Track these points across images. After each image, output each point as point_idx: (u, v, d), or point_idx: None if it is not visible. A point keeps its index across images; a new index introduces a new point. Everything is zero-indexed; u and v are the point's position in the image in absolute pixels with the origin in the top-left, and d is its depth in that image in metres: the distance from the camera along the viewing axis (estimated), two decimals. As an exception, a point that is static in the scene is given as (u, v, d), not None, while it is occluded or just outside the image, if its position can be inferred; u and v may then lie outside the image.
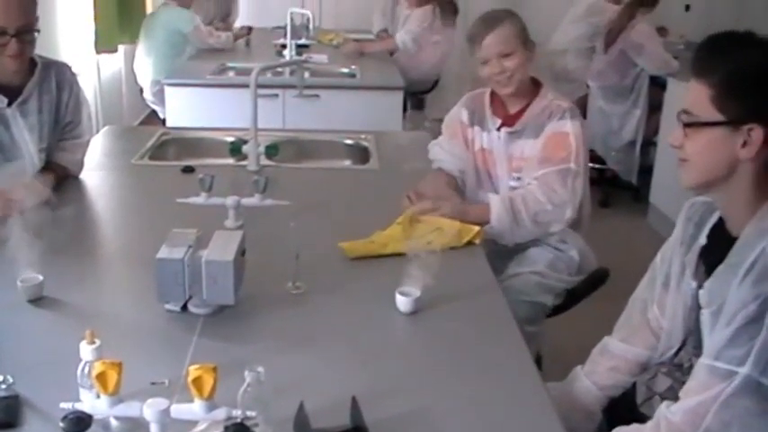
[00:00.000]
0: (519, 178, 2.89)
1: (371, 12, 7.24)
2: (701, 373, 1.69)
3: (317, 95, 4.67)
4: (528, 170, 2.84)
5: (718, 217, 1.86)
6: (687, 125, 1.73)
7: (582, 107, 6.42)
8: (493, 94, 2.99)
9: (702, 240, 1.88)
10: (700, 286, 1.82)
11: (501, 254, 2.84)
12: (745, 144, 1.66)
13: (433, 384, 1.83)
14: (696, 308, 1.84)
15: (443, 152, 3.11)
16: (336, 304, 2.18)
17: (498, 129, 2.93)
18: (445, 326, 2.09)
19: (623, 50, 5.86)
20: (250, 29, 6.91)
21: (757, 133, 1.64)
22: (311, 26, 5.78)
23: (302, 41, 5.90)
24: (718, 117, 1.68)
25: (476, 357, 1.95)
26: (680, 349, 1.96)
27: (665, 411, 1.73)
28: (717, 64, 1.70)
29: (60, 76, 2.89)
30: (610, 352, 2.14)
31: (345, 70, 5.57)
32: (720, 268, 1.73)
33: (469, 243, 2.57)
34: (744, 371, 1.59)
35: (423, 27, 6.31)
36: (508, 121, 2.92)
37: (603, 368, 2.12)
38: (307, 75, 5.06)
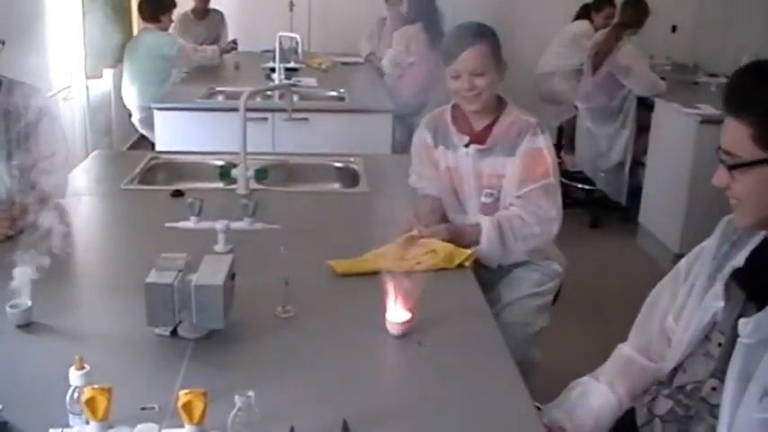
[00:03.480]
0: (491, 194, 2.88)
1: (359, 35, 7.27)
2: (749, 424, 1.64)
3: (306, 119, 4.68)
4: (507, 189, 2.84)
5: (761, 240, 1.80)
6: (732, 167, 1.70)
7: (571, 128, 6.48)
8: (454, 110, 2.97)
9: (740, 262, 1.83)
10: (740, 314, 1.75)
11: (484, 280, 2.78)
12: None
13: (424, 407, 1.82)
14: (711, 328, 1.82)
15: (420, 179, 3.09)
16: (326, 328, 2.17)
17: (467, 146, 2.90)
18: (436, 349, 2.08)
19: (610, 72, 5.91)
20: (235, 42, 6.96)
21: None
22: (300, 50, 5.80)
23: (291, 65, 5.93)
24: (764, 155, 1.65)
25: (466, 380, 1.94)
26: (677, 368, 1.92)
27: None
28: (752, 100, 1.67)
29: (25, 98, 2.82)
30: (625, 365, 2.09)
31: (334, 93, 5.58)
32: (760, 315, 1.69)
33: (460, 266, 2.57)
34: None
35: (398, 50, 6.32)
36: (477, 137, 2.90)
37: (623, 387, 2.07)
38: (296, 98, 5.08)
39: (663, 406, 1.94)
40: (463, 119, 2.94)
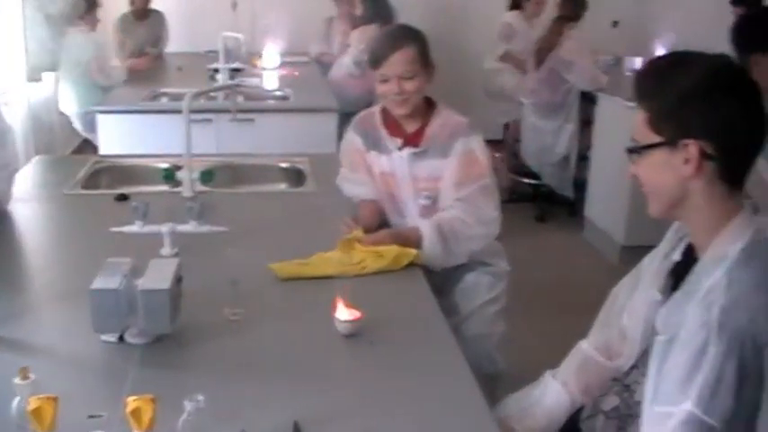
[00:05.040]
0: (429, 197, 2.87)
1: (305, 34, 7.25)
2: (650, 417, 1.68)
3: (252, 119, 4.66)
4: (445, 192, 2.83)
5: None
6: (630, 151, 1.74)
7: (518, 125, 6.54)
8: (384, 113, 2.94)
9: (677, 256, 1.86)
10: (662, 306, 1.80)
11: (436, 284, 2.73)
12: (685, 161, 1.65)
13: (376, 407, 1.82)
14: (653, 327, 1.83)
15: (354, 186, 3.04)
16: (276, 329, 2.17)
17: (400, 149, 2.88)
18: (386, 348, 2.08)
19: (553, 67, 5.95)
20: (159, 50, 6.93)
21: (693, 148, 1.63)
22: (244, 50, 5.76)
23: (235, 65, 5.89)
24: (656, 139, 1.69)
25: (418, 378, 1.94)
26: (633, 367, 1.94)
27: None
28: (650, 87, 1.72)
29: None
30: (584, 362, 2.12)
31: (279, 93, 5.57)
32: (678, 294, 1.73)
33: (409, 265, 2.57)
34: (686, 408, 1.57)
35: (360, 49, 6.32)
36: (410, 140, 2.87)
37: (578, 385, 2.10)
38: (240, 99, 5.05)
39: (609, 402, 1.98)
40: (394, 122, 2.91)
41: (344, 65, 6.24)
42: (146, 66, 6.78)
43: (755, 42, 3.12)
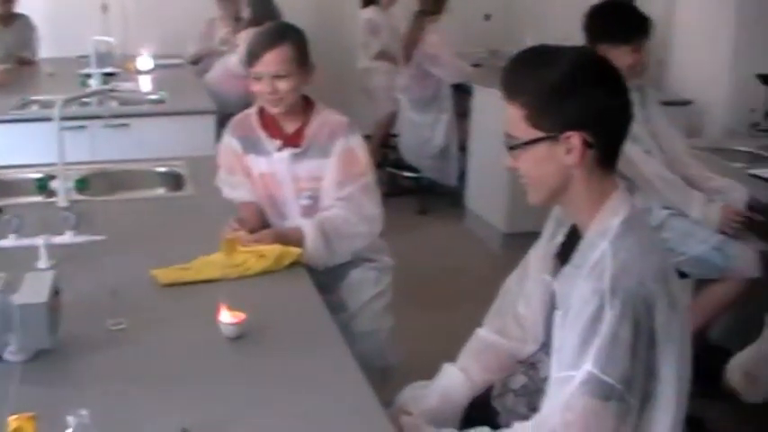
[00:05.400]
0: (310, 197, 2.87)
1: (180, 36, 7.13)
2: (553, 383, 1.75)
3: (127, 124, 4.58)
4: (327, 191, 2.85)
5: None
6: (511, 148, 1.79)
7: (391, 120, 6.60)
8: (262, 114, 2.92)
9: (560, 238, 1.95)
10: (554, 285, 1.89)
11: (321, 282, 2.75)
12: (568, 152, 1.72)
13: (266, 408, 1.83)
14: (552, 305, 1.90)
15: (232, 188, 3.02)
16: (160, 336, 2.15)
17: (280, 150, 2.87)
18: (273, 348, 2.09)
19: (420, 62, 6.03)
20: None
21: (576, 139, 1.71)
22: (117, 53, 5.64)
23: (108, 70, 5.77)
24: (537, 134, 1.74)
25: (306, 378, 1.96)
26: (540, 348, 2.00)
27: (518, 423, 1.80)
28: (521, 84, 1.76)
29: None
30: (482, 346, 2.16)
31: (154, 97, 5.48)
32: (567, 269, 1.81)
33: (293, 264, 2.58)
34: (585, 369, 1.65)
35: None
36: (290, 141, 2.87)
37: (476, 365, 2.14)
38: (114, 104, 4.96)
39: (518, 381, 2.05)
40: (272, 122, 2.89)
41: (230, 65, 6.18)
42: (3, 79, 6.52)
43: (604, 33, 3.23)
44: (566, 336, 1.73)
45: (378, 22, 6.72)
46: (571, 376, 1.67)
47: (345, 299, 2.96)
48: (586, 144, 1.72)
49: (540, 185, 1.80)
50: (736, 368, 2.39)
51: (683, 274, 3.37)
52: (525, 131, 1.75)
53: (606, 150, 1.77)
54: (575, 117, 1.71)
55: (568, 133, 1.71)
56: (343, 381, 1.95)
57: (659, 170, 3.26)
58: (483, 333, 2.18)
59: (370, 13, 6.76)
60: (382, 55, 6.69)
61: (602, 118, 1.74)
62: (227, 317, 2.10)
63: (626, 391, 1.65)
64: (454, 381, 2.12)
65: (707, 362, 3.72)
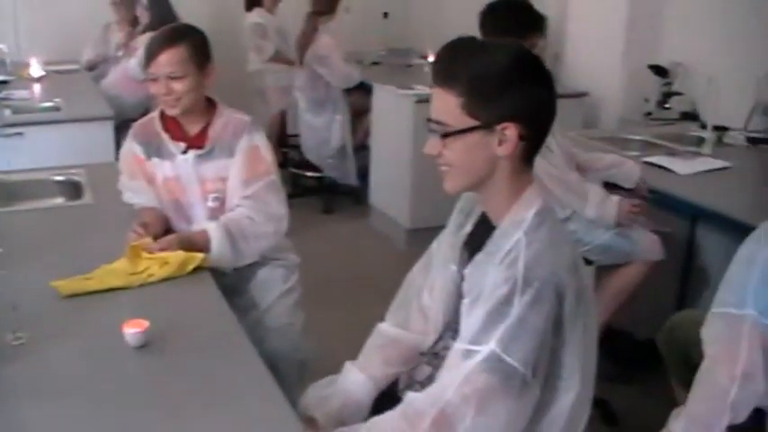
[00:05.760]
0: (218, 198, 2.86)
1: (76, 41, 6.97)
2: (453, 355, 1.78)
3: (21, 133, 4.46)
4: (233, 190, 2.83)
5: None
6: (444, 135, 1.79)
7: (282, 121, 6.60)
8: (164, 118, 2.88)
9: (468, 228, 1.98)
10: (462, 274, 1.91)
11: (229, 285, 2.79)
12: (501, 143, 1.75)
13: (174, 415, 1.82)
14: (457, 295, 1.93)
15: (134, 194, 2.99)
16: (63, 349, 2.10)
17: (184, 152, 2.84)
18: (179, 356, 2.07)
19: (310, 63, 6.03)
20: None
21: (511, 131, 1.74)
22: (8, 60, 5.50)
23: (0, 78, 5.62)
24: (473, 123, 1.75)
25: (214, 385, 1.95)
26: (441, 337, 2.03)
27: (411, 393, 1.82)
28: (460, 71, 1.76)
29: None
30: (384, 340, 2.18)
31: (49, 104, 5.34)
32: (479, 256, 1.84)
33: (197, 269, 2.56)
34: (488, 348, 1.69)
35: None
36: (193, 142, 2.84)
37: (377, 361, 2.15)
38: (7, 113, 4.83)
39: (423, 372, 2.06)
40: (175, 125, 2.86)
41: (129, 69, 6.08)
42: None
43: (499, 29, 3.29)
44: (474, 316, 1.76)
45: (265, 24, 6.69)
46: (474, 351, 1.70)
47: (256, 297, 2.95)
48: (520, 136, 1.75)
49: (465, 174, 1.82)
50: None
51: (588, 262, 3.46)
52: (459, 119, 1.76)
53: (534, 144, 1.81)
54: (513, 109, 1.74)
55: (505, 124, 1.74)
56: (253, 385, 1.95)
57: (547, 168, 3.32)
58: (384, 327, 2.20)
59: (255, 16, 6.73)
60: (277, 57, 6.68)
61: (536, 112, 1.78)
62: (131, 325, 2.07)
63: (528, 373, 1.68)
64: (355, 381, 2.13)
65: (612, 346, 3.85)
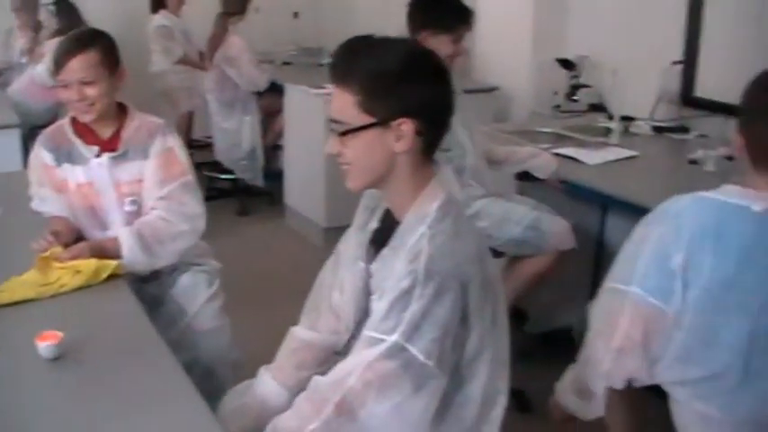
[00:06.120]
0: (134, 202, 2.82)
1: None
2: (359, 342, 1.80)
3: None
4: (148, 192, 2.80)
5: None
6: (342, 134, 1.80)
7: (188, 122, 6.55)
8: (75, 123, 2.83)
9: (374, 225, 1.99)
10: (370, 271, 1.93)
11: (152, 293, 2.77)
12: (398, 139, 1.77)
13: (93, 430, 1.79)
14: (366, 292, 1.95)
15: (43, 202, 2.93)
16: (-27, 365, 2.05)
17: (98, 156, 2.79)
18: (97, 366, 2.04)
19: (220, 64, 5.98)
20: None
21: (408, 126, 1.76)
22: None
23: None
24: (369, 120, 1.77)
25: (133, 395, 1.92)
26: (354, 336, 2.02)
27: (316, 377, 1.83)
28: (355, 70, 1.79)
29: None
30: (296, 343, 2.18)
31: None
32: (385, 252, 1.86)
33: (112, 276, 2.52)
34: (392, 338, 1.71)
35: None
36: (107, 146, 2.80)
37: (290, 365, 2.16)
38: None
39: None
40: (87, 130, 2.81)
41: (37, 75, 5.95)
42: None
43: (426, 22, 3.32)
44: (378, 305, 1.79)
45: (170, 26, 6.63)
46: (379, 340, 1.73)
47: (182, 305, 2.91)
48: (417, 132, 1.77)
49: (365, 171, 1.83)
50: (568, 390, 2.47)
51: (500, 253, 3.51)
52: (356, 117, 1.78)
53: (431, 139, 1.83)
54: (408, 105, 1.76)
55: (401, 120, 1.76)
56: (174, 394, 1.92)
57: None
58: (296, 331, 2.21)
59: (160, 18, 6.65)
60: (185, 59, 6.61)
61: (431, 107, 1.80)
62: (44, 337, 2.03)
63: (429, 363, 1.71)
64: (270, 389, 2.14)
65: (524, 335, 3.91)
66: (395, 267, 1.78)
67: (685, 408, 2.29)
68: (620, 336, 2.20)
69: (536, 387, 3.44)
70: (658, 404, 2.39)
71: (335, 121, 1.81)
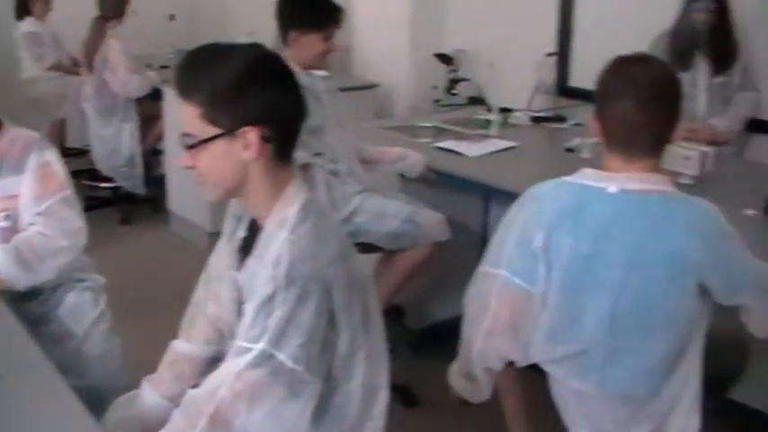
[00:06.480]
0: (9, 217, 2.71)
1: None
2: (229, 354, 1.79)
3: None
4: (25, 208, 2.71)
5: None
6: (191, 147, 1.78)
7: (61, 130, 6.39)
8: None
9: (242, 233, 1.98)
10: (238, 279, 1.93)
11: (34, 313, 2.68)
12: (246, 147, 1.75)
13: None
14: (239, 300, 1.93)
15: None
16: None
17: None
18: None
19: (98, 69, 5.85)
20: None
21: (253, 135, 1.74)
22: None
23: None
24: (215, 131, 1.75)
25: (18, 417, 1.85)
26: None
27: (190, 390, 1.81)
28: (196, 82, 1.76)
29: None
30: (175, 356, 2.16)
31: None
32: (250, 260, 1.86)
33: None
34: (259, 346, 1.70)
35: None
36: None
37: (170, 378, 2.14)
38: None
39: None
40: None
41: None
42: None
43: (296, 20, 3.30)
44: (245, 316, 1.78)
45: (39, 32, 6.47)
46: (247, 348, 1.72)
47: (68, 325, 2.81)
48: (264, 139, 1.76)
49: (219, 183, 1.82)
50: (456, 374, 2.55)
51: (377, 248, 3.52)
52: (203, 129, 1.76)
53: (282, 144, 1.81)
54: (251, 112, 1.74)
55: (246, 129, 1.74)
56: (58, 409, 1.87)
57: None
58: (176, 344, 2.19)
59: (28, 25, 6.49)
60: (58, 65, 6.45)
61: (277, 112, 1.78)
62: None
63: (298, 368, 1.71)
64: (151, 402, 2.12)
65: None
66: (260, 275, 1.78)
67: (562, 385, 2.38)
68: (490, 317, 2.32)
69: (423, 381, 3.48)
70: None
71: (185, 135, 1.79)
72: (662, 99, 2.16)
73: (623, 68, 2.19)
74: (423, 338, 3.95)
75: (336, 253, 1.79)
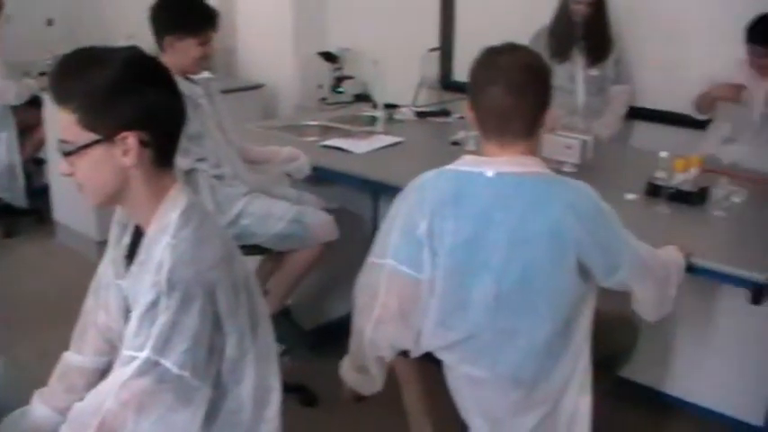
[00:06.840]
0: None
1: None
2: (116, 364, 1.76)
3: None
4: None
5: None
6: (68, 154, 1.74)
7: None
8: None
9: (127, 240, 1.94)
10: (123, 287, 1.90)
11: None
12: (124, 153, 1.71)
13: None
14: (127, 308, 1.90)
15: None
16: None
17: None
18: None
19: None
20: None
21: (131, 140, 1.71)
22: None
23: None
24: (92, 137, 1.71)
25: None
26: None
27: (76, 404, 1.78)
28: (70, 88, 1.71)
29: None
30: (66, 368, 2.13)
31: None
32: (133, 268, 1.83)
33: None
34: (144, 354, 1.68)
35: None
36: None
37: (60, 390, 2.10)
38: None
39: None
40: None
41: None
42: None
43: (170, 26, 3.24)
44: (130, 324, 1.76)
45: None
46: (132, 357, 1.70)
47: None
48: (142, 143, 1.73)
49: (99, 189, 1.79)
50: (348, 368, 2.58)
51: (265, 250, 3.52)
52: (79, 136, 1.72)
53: (162, 149, 1.79)
54: (129, 117, 1.71)
55: (124, 134, 1.71)
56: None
57: None
58: (66, 356, 2.15)
59: None
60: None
61: (155, 117, 1.75)
62: None
63: (185, 374, 1.69)
64: (42, 415, 2.09)
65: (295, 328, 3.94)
66: (144, 281, 1.75)
67: (455, 372, 2.43)
68: (379, 306, 2.38)
69: (321, 380, 3.48)
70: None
71: (62, 141, 1.75)
72: (530, 83, 2.21)
73: (492, 57, 2.25)
74: (318, 337, 3.95)
75: (219, 256, 1.77)
